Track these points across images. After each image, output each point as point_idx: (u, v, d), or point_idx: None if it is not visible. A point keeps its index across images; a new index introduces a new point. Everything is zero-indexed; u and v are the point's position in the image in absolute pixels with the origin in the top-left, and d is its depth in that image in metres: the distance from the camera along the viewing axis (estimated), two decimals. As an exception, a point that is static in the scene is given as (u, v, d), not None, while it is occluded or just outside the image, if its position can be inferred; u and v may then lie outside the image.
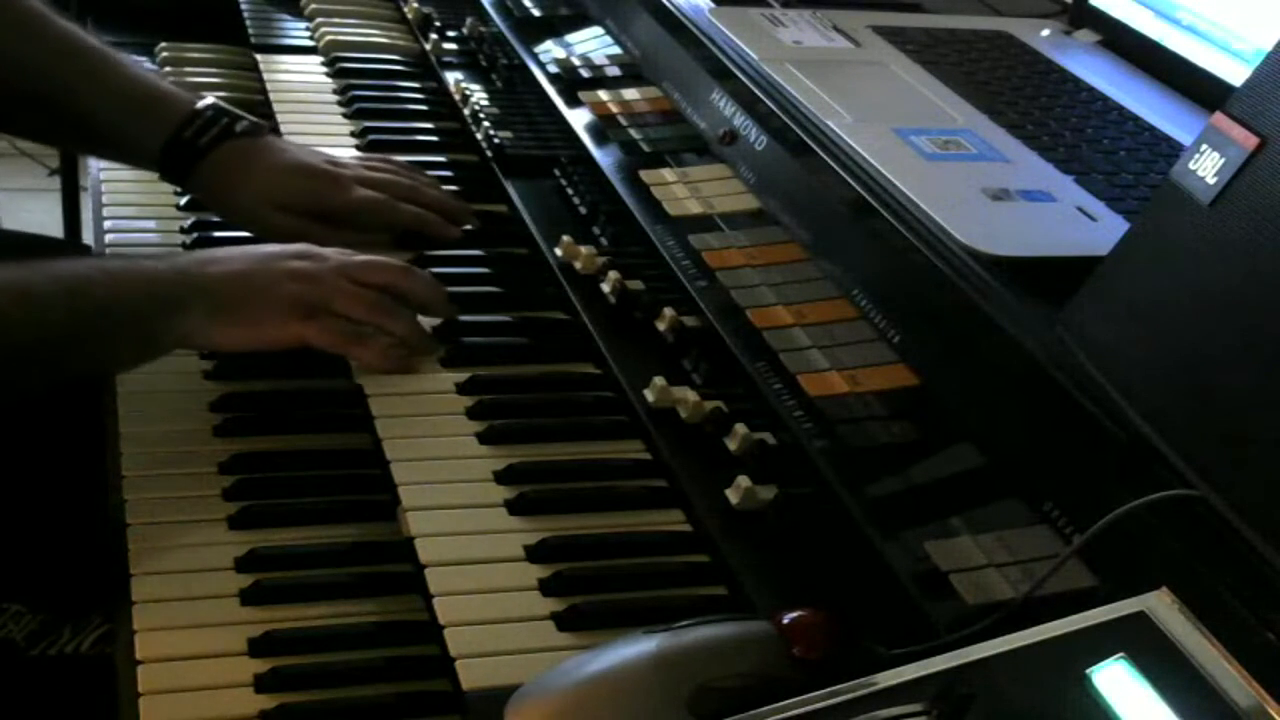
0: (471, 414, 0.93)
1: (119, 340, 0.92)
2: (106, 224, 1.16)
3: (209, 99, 1.10)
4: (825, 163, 0.95)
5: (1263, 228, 0.64)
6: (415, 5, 1.48)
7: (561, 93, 1.24)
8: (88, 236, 1.75)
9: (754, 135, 1.04)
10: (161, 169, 1.10)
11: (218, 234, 1.13)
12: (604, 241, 1.08)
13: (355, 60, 1.41)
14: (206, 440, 0.92)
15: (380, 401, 0.93)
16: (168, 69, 1.37)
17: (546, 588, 0.80)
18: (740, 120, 1.06)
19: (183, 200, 1.18)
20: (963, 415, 0.78)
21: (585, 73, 1.24)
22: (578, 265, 1.05)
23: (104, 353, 0.93)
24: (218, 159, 1.08)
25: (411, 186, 1.13)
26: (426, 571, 0.80)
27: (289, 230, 1.07)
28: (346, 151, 1.21)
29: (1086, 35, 1.22)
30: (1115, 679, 0.54)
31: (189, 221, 1.15)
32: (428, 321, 0.99)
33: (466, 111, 1.28)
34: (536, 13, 1.41)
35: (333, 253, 0.98)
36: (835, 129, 0.97)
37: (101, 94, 1.09)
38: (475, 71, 1.38)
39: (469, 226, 1.14)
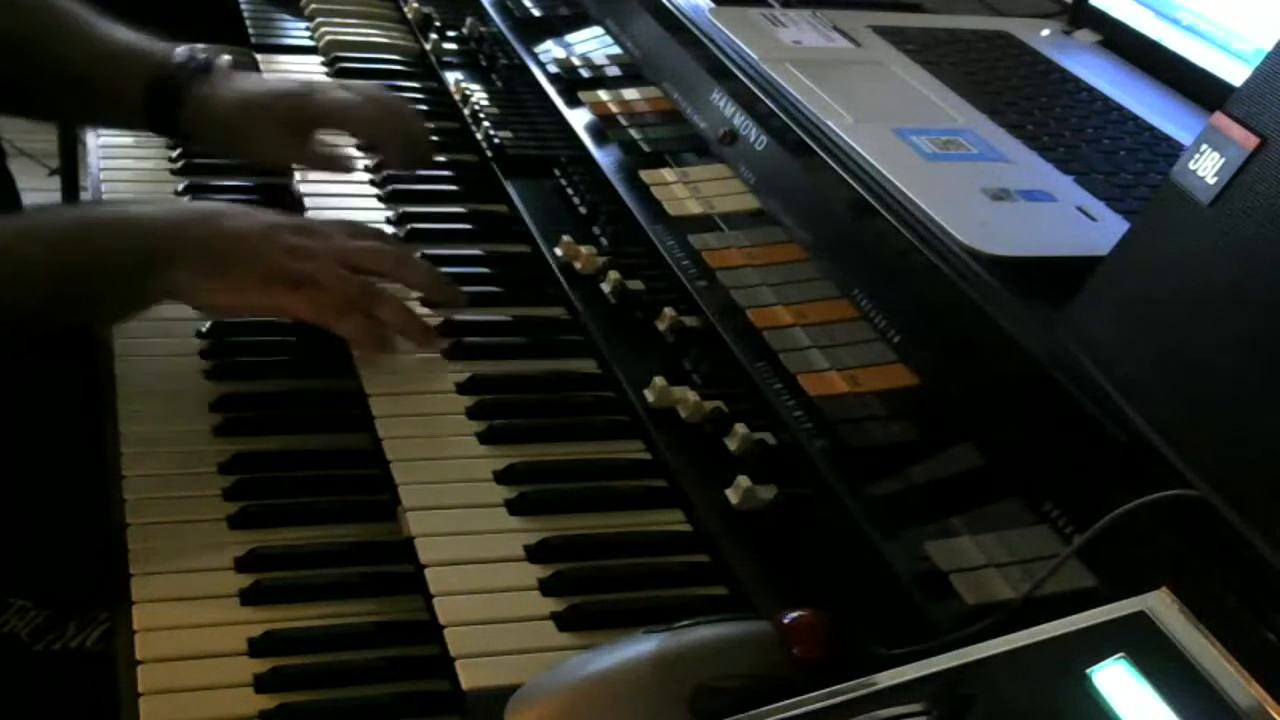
0: (471, 414, 0.93)
1: (102, 293, 0.92)
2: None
3: (183, 47, 1.11)
4: (825, 163, 0.95)
5: (1262, 228, 0.64)
6: (415, 5, 1.48)
7: (561, 93, 1.24)
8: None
9: (754, 135, 1.04)
10: (148, 122, 1.10)
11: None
12: (604, 241, 1.08)
13: (355, 60, 1.41)
14: (206, 440, 0.92)
15: (380, 401, 0.93)
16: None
17: (546, 588, 0.80)
18: (740, 120, 1.06)
19: (183, 200, 1.18)
20: (963, 415, 0.78)
21: (585, 73, 1.24)
22: (578, 265, 1.05)
23: (86, 305, 0.93)
24: (197, 97, 1.08)
25: (392, 106, 1.15)
26: (426, 571, 0.80)
27: (271, 153, 1.08)
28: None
29: (1086, 35, 1.22)
30: (1115, 679, 0.54)
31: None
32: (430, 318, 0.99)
33: (466, 111, 1.28)
34: (536, 13, 1.41)
35: (334, 230, 0.98)
36: (835, 129, 0.97)
37: (86, 51, 1.09)
38: (475, 71, 1.37)
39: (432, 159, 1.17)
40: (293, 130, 1.09)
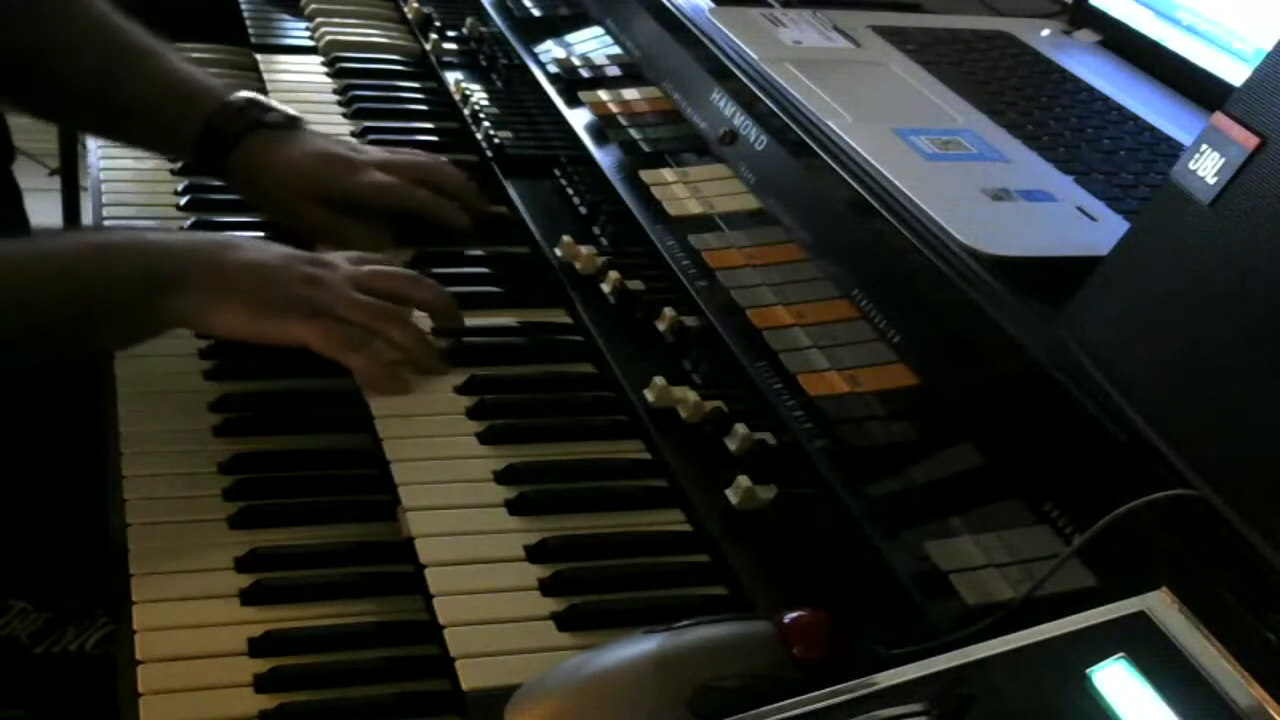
0: (471, 414, 0.93)
1: (114, 318, 0.92)
2: (106, 224, 1.16)
3: (244, 92, 1.12)
4: (825, 163, 0.95)
5: (1263, 228, 0.64)
6: (415, 5, 1.48)
7: (561, 93, 1.24)
8: (88, 236, 1.74)
9: (754, 135, 1.04)
10: (195, 159, 1.11)
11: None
12: (604, 241, 1.08)
13: (355, 60, 1.41)
14: (206, 440, 0.92)
15: (380, 401, 0.93)
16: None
17: (546, 588, 0.80)
18: (740, 120, 1.06)
19: (183, 200, 1.18)
20: (963, 415, 0.78)
21: (585, 73, 1.24)
22: (578, 265, 1.04)
23: (98, 330, 0.92)
24: (246, 149, 1.09)
25: (429, 167, 1.13)
26: (426, 571, 0.80)
27: (313, 221, 1.07)
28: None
29: (1086, 35, 1.22)
30: (1115, 679, 0.54)
31: (189, 222, 1.15)
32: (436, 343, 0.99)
33: (466, 111, 1.28)
34: (536, 13, 1.41)
35: (342, 260, 0.98)
36: (835, 129, 0.97)
37: (144, 86, 1.10)
38: (475, 71, 1.37)
39: (492, 209, 1.15)
40: (324, 204, 1.09)
